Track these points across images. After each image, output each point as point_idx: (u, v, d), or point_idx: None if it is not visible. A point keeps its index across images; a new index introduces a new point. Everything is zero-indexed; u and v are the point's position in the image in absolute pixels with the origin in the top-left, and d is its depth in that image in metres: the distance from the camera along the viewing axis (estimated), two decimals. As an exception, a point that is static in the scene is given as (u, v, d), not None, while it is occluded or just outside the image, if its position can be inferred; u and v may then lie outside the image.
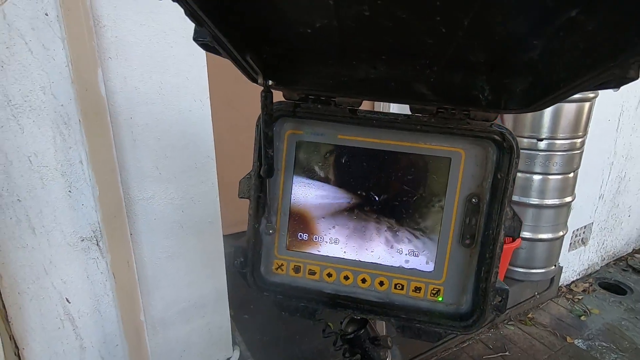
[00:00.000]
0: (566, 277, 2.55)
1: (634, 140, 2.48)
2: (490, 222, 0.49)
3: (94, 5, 0.88)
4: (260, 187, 0.52)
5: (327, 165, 0.54)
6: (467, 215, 0.50)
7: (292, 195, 0.54)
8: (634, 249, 3.04)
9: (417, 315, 0.52)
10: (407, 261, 0.53)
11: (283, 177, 0.54)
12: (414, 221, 0.52)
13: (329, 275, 0.55)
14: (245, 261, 0.54)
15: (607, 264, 2.85)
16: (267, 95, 0.44)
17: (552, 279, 2.37)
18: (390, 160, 0.52)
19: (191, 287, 1.25)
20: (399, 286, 0.54)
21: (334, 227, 0.55)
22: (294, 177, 0.54)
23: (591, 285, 2.61)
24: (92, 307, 1.09)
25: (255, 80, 0.45)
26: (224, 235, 1.30)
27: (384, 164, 0.52)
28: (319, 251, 0.55)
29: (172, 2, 0.29)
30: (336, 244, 0.55)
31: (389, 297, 0.54)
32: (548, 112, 1.90)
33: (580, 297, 2.47)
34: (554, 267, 2.25)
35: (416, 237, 0.53)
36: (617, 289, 2.60)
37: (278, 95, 0.51)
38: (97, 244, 1.04)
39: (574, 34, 0.31)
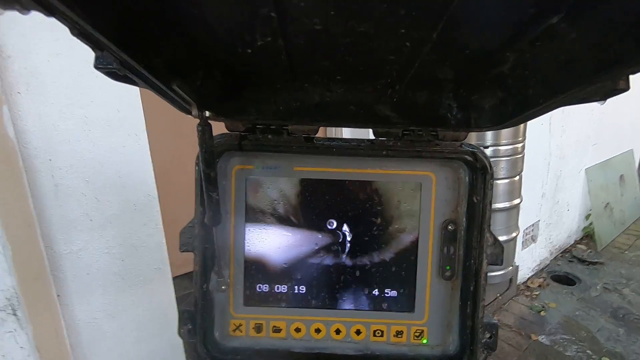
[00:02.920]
0: (522, 275, 2.66)
1: (564, 141, 2.70)
2: (470, 250, 0.45)
3: (-6, 34, 0.75)
4: (206, 238, 0.44)
5: (284, 203, 0.46)
6: (444, 244, 0.46)
7: (245, 242, 0.46)
8: (575, 240, 3.28)
9: None
10: (384, 302, 0.47)
11: (233, 221, 0.46)
12: (388, 256, 0.47)
13: (297, 330, 0.47)
14: (194, 328, 0.45)
15: (555, 257, 3.04)
16: (204, 129, 0.37)
17: (510, 279, 2.45)
18: (356, 191, 0.46)
19: (139, 344, 1.09)
20: (378, 332, 0.47)
21: (298, 273, 0.47)
22: (247, 219, 0.46)
23: (545, 279, 2.74)
24: (12, 390, 0.89)
25: (188, 112, 0.37)
26: (173, 278, 1.16)
27: (348, 195, 0.46)
28: (283, 303, 0.47)
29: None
30: (302, 292, 0.47)
31: (368, 347, 0.48)
32: (490, 120, 1.99)
33: (537, 293, 2.58)
34: (511, 267, 2.34)
35: (392, 273, 0.47)
36: (567, 280, 2.76)
37: (220, 126, 0.43)
38: (15, 314, 0.86)
39: (552, 45, 0.28)
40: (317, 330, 0.47)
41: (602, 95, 0.28)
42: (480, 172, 0.43)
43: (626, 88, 0.26)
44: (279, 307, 0.47)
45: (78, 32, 0.22)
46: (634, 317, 2.30)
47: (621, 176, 3.50)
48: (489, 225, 0.44)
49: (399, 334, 0.47)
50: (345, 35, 0.29)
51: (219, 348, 0.46)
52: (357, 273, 0.47)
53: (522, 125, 2.12)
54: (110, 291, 1.00)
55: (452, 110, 0.40)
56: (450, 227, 0.46)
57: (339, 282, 0.47)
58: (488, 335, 0.44)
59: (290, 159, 0.46)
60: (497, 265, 0.44)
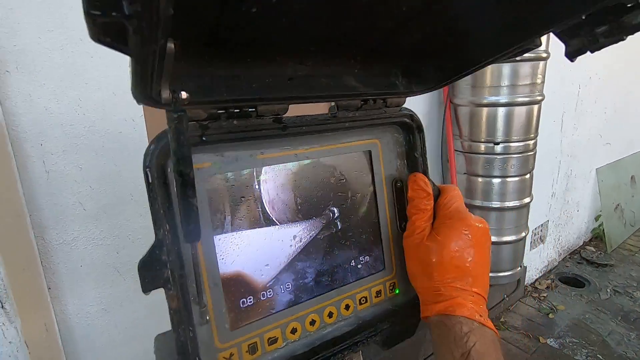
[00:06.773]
0: (530, 276, 2.60)
1: (576, 139, 2.63)
2: None
3: (-20, 7, 0.70)
4: (179, 262, 0.35)
5: (251, 200, 0.40)
6: (396, 200, 0.49)
7: (218, 255, 0.38)
8: (584, 242, 3.21)
9: (387, 319, 0.48)
10: (362, 270, 0.48)
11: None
12: (356, 224, 0.47)
13: (294, 331, 0.42)
14: None
15: (563, 258, 2.97)
16: (181, 118, 0.26)
17: (518, 280, 2.39)
18: (319, 170, 0.44)
19: (135, 341, 1.04)
20: (363, 300, 0.48)
21: (280, 271, 0.42)
22: (214, 228, 0.38)
23: (553, 281, 2.68)
24: (0, 387, 0.85)
25: (151, 98, 0.27)
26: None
27: (314, 175, 0.43)
28: (272, 309, 0.41)
29: None
30: (289, 289, 0.42)
31: (358, 317, 0.47)
32: (501, 116, 1.93)
33: (545, 295, 2.52)
34: (519, 268, 2.27)
35: (363, 241, 0.48)
36: (575, 282, 2.70)
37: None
38: (2, 307, 0.81)
39: None
40: (312, 322, 0.43)
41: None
42: (417, 131, 0.48)
43: None
44: (269, 315, 0.41)
45: None
46: (645, 322, 2.23)
47: (632, 177, 3.41)
48: (427, 173, 0.48)
49: (378, 294, 0.49)
50: None
51: None
52: (334, 249, 0.45)
53: (533, 122, 2.05)
54: (104, 285, 0.96)
55: (399, 78, 0.43)
56: (398, 184, 0.49)
57: (321, 264, 0.44)
58: None
59: (253, 147, 0.39)
60: None
